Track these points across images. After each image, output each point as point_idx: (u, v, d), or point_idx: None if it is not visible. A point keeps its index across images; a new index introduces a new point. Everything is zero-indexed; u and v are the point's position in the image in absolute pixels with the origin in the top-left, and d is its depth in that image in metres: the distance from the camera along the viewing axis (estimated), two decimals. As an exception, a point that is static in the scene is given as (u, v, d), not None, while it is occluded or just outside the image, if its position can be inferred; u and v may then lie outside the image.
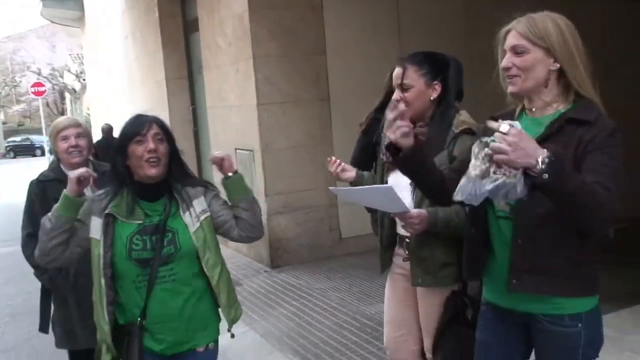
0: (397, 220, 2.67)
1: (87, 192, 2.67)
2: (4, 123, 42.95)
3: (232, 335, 2.67)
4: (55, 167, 3.38)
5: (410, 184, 2.55)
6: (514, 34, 2.02)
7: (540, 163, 1.69)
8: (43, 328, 3.50)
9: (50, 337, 5.69)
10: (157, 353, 2.53)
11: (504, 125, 1.71)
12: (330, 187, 2.61)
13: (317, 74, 6.71)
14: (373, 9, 6.87)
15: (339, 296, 5.56)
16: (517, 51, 2.00)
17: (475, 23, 6.62)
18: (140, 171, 2.46)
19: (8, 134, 41.54)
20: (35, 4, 17.28)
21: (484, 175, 1.74)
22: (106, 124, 11.64)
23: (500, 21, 2.10)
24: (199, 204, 2.55)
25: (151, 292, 2.46)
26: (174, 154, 2.54)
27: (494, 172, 1.73)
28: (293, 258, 6.68)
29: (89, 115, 40.20)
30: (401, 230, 2.72)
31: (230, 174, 2.58)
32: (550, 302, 2.04)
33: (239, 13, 6.61)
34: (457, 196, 1.84)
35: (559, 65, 1.98)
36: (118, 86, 13.28)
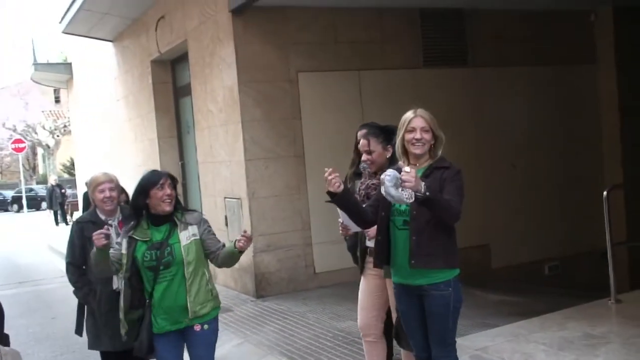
0: (367, 236, 4.04)
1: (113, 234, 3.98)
2: (-25, 178, 43.14)
3: (199, 327, 3.81)
4: (92, 211, 4.37)
5: None
6: (421, 120, 3.49)
7: (422, 187, 3.12)
8: (78, 332, 4.53)
9: (74, 354, 6.86)
10: (161, 326, 3.79)
11: (409, 168, 3.14)
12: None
13: (294, 135, 8.06)
14: (339, 82, 8.27)
15: (315, 316, 6.78)
16: (425, 130, 3.48)
17: (420, 93, 8.06)
18: (159, 207, 3.80)
19: (-21, 188, 41.68)
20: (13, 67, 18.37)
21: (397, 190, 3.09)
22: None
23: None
24: (193, 229, 3.87)
25: (155, 285, 3.79)
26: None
27: (402, 190, 3.08)
28: (275, 289, 7.88)
29: (62, 170, 40.80)
30: (369, 244, 4.07)
31: (241, 250, 3.74)
32: (432, 275, 3.42)
33: (229, 85, 7.99)
34: (388, 197, 3.14)
35: (434, 141, 3.51)
36: (107, 143, 14.44)
